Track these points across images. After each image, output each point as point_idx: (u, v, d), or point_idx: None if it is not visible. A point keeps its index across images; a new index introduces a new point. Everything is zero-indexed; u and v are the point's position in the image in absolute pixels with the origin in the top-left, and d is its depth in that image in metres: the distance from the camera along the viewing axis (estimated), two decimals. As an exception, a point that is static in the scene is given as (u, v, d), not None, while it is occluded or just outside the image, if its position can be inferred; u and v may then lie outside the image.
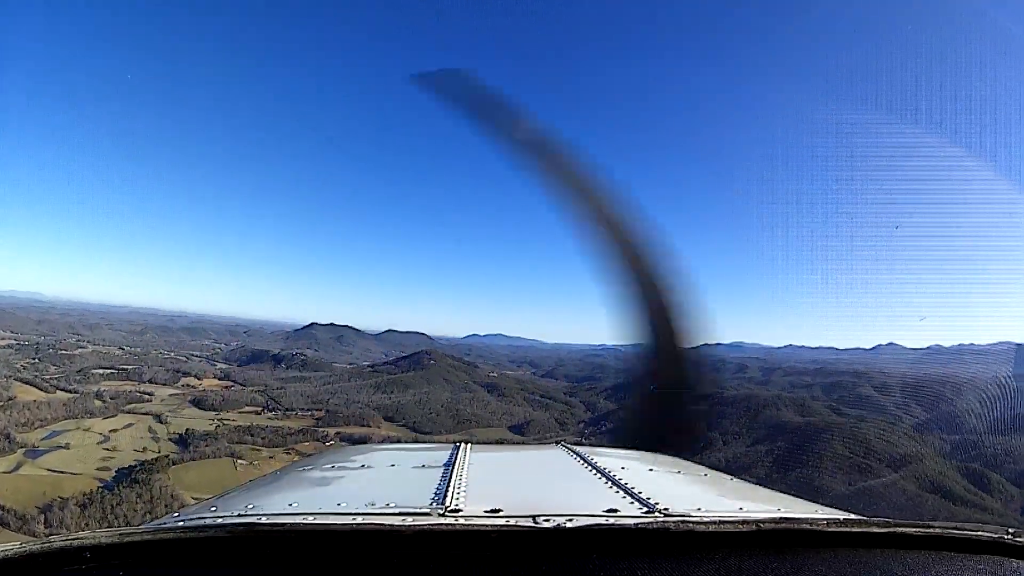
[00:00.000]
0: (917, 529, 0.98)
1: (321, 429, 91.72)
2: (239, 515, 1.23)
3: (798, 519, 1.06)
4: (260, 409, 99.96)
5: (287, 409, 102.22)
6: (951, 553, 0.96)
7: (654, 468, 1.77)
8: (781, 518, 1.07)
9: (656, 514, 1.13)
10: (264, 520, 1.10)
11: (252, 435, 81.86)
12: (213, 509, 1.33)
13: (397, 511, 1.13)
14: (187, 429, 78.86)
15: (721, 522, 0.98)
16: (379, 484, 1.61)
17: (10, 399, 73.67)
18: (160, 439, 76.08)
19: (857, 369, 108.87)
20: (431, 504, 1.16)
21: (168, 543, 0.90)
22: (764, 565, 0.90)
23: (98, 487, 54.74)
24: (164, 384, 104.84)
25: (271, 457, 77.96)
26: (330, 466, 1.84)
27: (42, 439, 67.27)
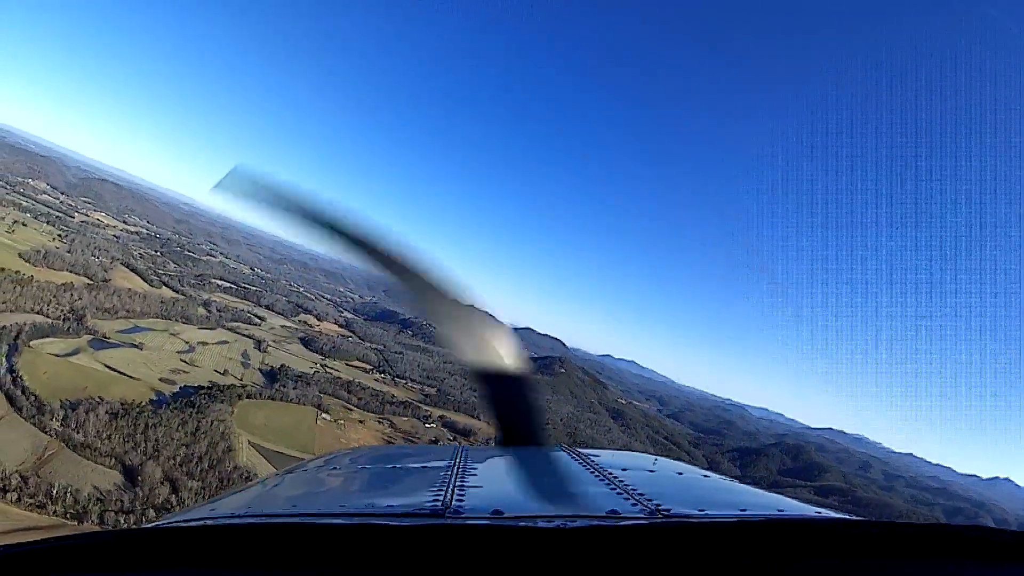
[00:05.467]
0: (917, 530, 0.97)
1: (425, 408, 79.61)
2: (239, 516, 1.23)
3: (799, 521, 1.04)
4: (370, 368, 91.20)
5: (397, 375, 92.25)
6: (951, 553, 0.96)
7: (655, 470, 1.75)
8: (782, 520, 1.04)
9: (657, 516, 1.12)
10: (265, 521, 1.09)
11: (350, 391, 72.28)
12: (213, 510, 1.34)
13: (398, 512, 1.12)
14: (283, 365, 71.53)
15: (722, 524, 0.97)
16: (380, 485, 1.63)
17: (105, 280, 70.84)
18: (250, 366, 69.10)
19: (977, 499, 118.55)
20: (432, 505, 1.14)
21: (168, 544, 0.89)
22: (765, 567, 0.89)
23: (148, 400, 46.44)
24: (280, 314, 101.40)
25: (361, 421, 66.05)
26: (331, 467, 1.87)
27: (118, 331, 61.33)
